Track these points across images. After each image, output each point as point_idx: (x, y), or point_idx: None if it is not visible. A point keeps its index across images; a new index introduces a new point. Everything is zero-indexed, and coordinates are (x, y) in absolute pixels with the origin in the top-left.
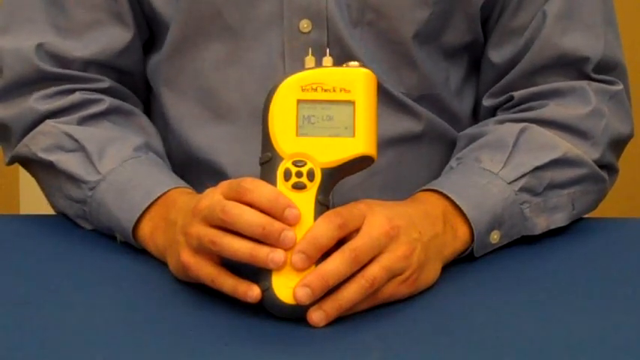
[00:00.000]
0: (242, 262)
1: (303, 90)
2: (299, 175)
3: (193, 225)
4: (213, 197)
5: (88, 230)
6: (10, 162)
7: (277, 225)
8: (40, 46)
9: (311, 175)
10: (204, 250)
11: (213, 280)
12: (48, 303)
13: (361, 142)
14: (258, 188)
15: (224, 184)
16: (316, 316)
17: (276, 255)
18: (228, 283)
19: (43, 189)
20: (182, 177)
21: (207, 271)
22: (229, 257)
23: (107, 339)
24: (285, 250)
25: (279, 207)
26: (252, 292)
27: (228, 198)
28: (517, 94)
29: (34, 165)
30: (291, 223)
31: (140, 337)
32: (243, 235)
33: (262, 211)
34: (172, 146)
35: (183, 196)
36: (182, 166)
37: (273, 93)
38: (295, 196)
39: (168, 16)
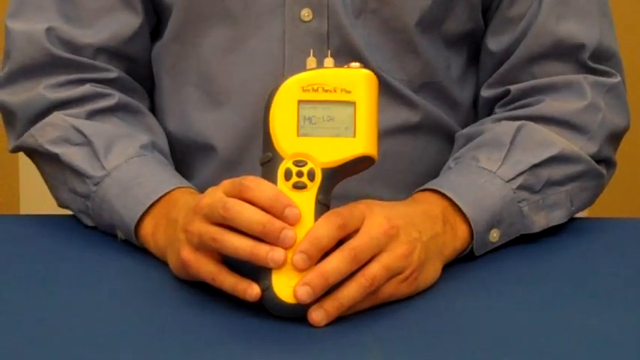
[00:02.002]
0: (242, 259)
1: (304, 90)
2: (299, 174)
3: (194, 222)
4: (215, 195)
5: (89, 230)
6: (14, 150)
7: (278, 223)
8: (50, 30)
9: (311, 175)
10: (204, 248)
11: (213, 278)
12: (48, 303)
13: (362, 143)
14: (259, 186)
15: (226, 183)
16: (317, 315)
17: (276, 254)
18: (229, 281)
19: (46, 181)
20: (176, 168)
21: (207, 269)
22: (230, 254)
23: (107, 338)
24: (285, 249)
25: (279, 206)
26: (252, 290)
27: (230, 196)
28: (514, 88)
29: (39, 156)
30: (292, 223)
31: (140, 337)
32: (244, 234)
33: (263, 209)
34: (169, 133)
35: (185, 195)
36: (177, 155)
37: (274, 93)
38: (296, 196)
39: (172, 0)
